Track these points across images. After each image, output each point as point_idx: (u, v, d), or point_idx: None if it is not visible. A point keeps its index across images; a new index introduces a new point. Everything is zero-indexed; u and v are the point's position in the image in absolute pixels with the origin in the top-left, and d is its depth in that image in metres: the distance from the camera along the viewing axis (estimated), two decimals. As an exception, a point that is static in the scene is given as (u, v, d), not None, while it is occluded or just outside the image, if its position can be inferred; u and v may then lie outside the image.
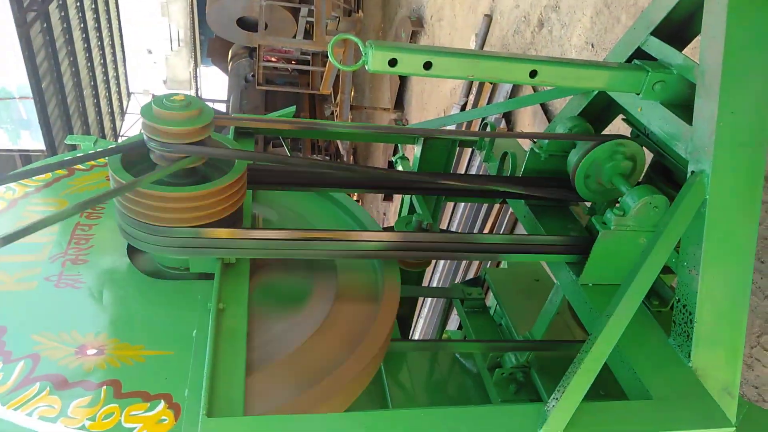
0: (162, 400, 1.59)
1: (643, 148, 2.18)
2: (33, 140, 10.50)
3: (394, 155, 3.26)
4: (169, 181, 1.86)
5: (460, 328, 4.38)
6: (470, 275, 6.11)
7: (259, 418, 1.49)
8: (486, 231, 5.88)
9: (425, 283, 5.40)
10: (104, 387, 1.60)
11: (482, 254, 2.22)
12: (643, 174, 2.25)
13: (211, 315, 1.79)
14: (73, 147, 2.59)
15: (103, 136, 16.19)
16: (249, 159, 1.95)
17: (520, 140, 3.18)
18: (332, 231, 2.13)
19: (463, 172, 6.55)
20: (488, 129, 3.04)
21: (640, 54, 2.10)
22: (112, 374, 1.64)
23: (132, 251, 2.07)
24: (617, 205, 1.99)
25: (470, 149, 5.78)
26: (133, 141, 1.91)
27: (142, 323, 1.82)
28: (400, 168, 3.14)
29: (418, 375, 2.92)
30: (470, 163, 6.53)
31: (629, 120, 2.32)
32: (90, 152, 2.00)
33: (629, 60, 2.13)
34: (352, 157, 13.97)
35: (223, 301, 1.85)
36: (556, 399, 1.60)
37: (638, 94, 2.00)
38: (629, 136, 2.27)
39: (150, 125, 1.76)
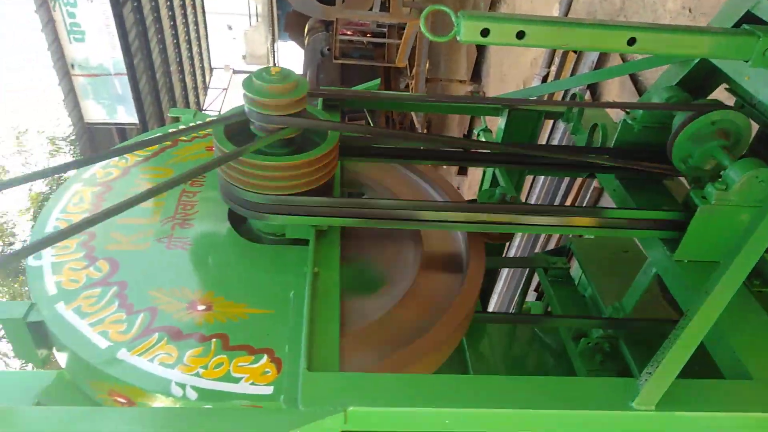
0: (265, 354, 1.71)
1: (749, 119, 2.07)
2: (127, 114, 11.20)
3: (470, 128, 3.24)
4: (267, 151, 1.97)
5: (538, 299, 4.35)
6: (550, 247, 6.01)
7: (354, 375, 1.58)
8: (573, 196, 5.74)
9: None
10: (214, 339, 1.74)
11: (570, 228, 2.19)
12: (747, 147, 2.14)
13: (308, 278, 1.89)
14: (176, 119, 2.76)
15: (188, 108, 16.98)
16: (344, 130, 2.02)
17: (609, 112, 3.08)
18: (421, 202, 2.17)
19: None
20: (577, 99, 2.95)
21: (749, 18, 1.98)
22: (220, 329, 1.78)
23: (233, 217, 2.20)
24: (719, 179, 1.91)
25: (551, 121, 5.63)
26: (233, 113, 2.02)
27: (244, 284, 1.95)
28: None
29: (498, 346, 2.95)
30: (551, 135, 6.35)
31: (733, 89, 2.20)
32: (192, 125, 2.13)
33: (737, 25, 2.00)
34: (426, 131, 13.92)
35: (317, 266, 1.95)
36: (649, 373, 1.59)
37: (747, 62, 1.89)
38: (733, 106, 2.16)
39: (252, 98, 1.86)
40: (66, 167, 1.57)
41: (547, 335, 3.50)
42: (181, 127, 2.69)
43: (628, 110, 2.44)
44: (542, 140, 6.50)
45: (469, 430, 1.62)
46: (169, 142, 2.60)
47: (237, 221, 2.21)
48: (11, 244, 17.06)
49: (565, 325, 2.71)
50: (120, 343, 1.70)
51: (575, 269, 3.22)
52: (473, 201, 3.03)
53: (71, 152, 17.24)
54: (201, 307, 1.84)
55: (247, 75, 1.92)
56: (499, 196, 2.87)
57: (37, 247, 1.45)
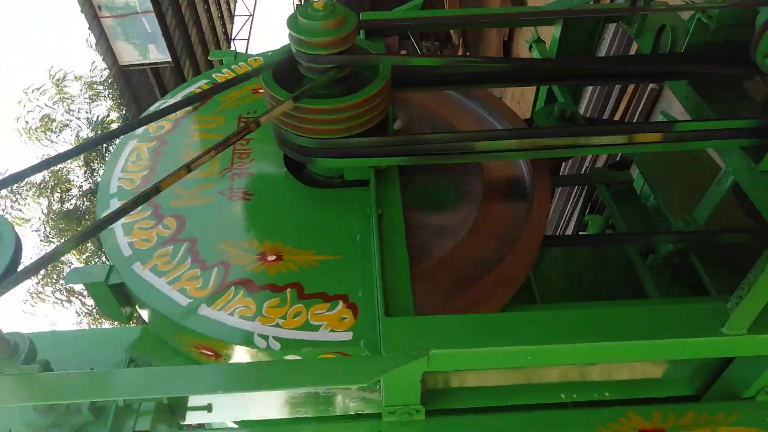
0: (340, 301, 1.72)
1: None
2: (159, 52, 11.10)
3: (510, 35, 3.02)
4: (317, 92, 1.89)
5: (598, 212, 4.23)
6: (602, 159, 5.79)
7: (433, 318, 1.58)
8: (619, 115, 5.45)
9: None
10: (288, 289, 1.76)
11: (641, 145, 2.06)
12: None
13: (372, 221, 1.86)
14: (211, 64, 2.69)
15: (216, 40, 16.68)
16: (398, 63, 1.91)
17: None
18: (478, 132, 2.07)
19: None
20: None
21: None
22: (293, 278, 1.79)
23: (289, 161, 2.17)
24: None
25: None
26: (278, 56, 1.93)
27: (310, 230, 1.94)
28: (536, 53, 2.94)
29: (559, 264, 2.89)
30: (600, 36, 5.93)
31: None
32: (237, 75, 1.99)
33: None
34: (461, 39, 13.31)
35: (380, 206, 1.92)
36: (740, 297, 1.52)
37: None
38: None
39: (298, 38, 1.76)
40: (95, 142, 1.54)
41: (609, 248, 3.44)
42: (225, 71, 2.62)
43: (703, 10, 2.20)
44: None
45: (552, 363, 1.62)
46: (214, 88, 2.54)
47: (294, 166, 2.17)
48: (68, 190, 17.73)
49: (637, 242, 2.62)
50: (199, 299, 1.74)
51: (636, 178, 3.09)
52: (530, 120, 2.90)
53: (110, 95, 17.41)
54: (271, 258, 1.85)
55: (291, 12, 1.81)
56: (558, 113, 2.74)
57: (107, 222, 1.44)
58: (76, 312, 16.58)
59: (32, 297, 16.71)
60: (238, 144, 2.26)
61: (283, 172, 2.15)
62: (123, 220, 1.99)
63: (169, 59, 10.94)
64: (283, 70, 1.95)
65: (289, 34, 1.79)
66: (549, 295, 2.59)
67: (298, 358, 1.64)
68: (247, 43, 17.57)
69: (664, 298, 2.46)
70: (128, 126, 1.53)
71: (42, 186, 17.43)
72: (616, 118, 5.54)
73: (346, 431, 1.77)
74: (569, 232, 6.23)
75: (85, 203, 17.48)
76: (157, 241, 1.91)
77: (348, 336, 1.64)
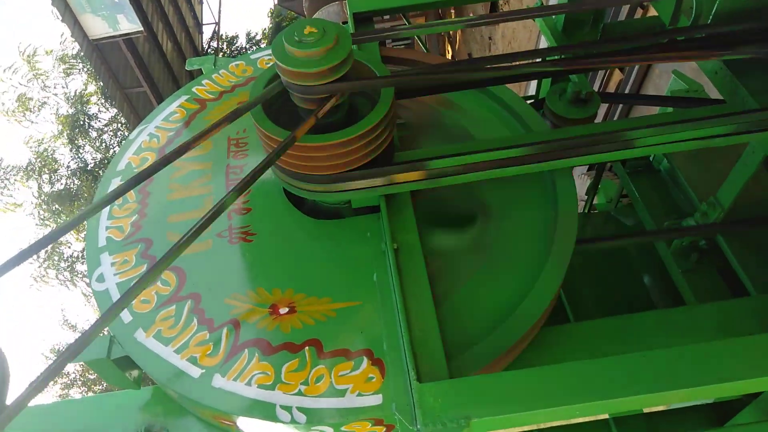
0: (365, 357, 1.59)
1: None
2: (129, 22, 10.52)
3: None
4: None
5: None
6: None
7: (468, 380, 1.45)
8: (613, 85, 5.19)
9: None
10: (306, 348, 1.62)
11: (675, 144, 1.87)
12: None
13: (389, 257, 1.71)
14: (188, 31, 2.45)
15: (189, 2, 15.89)
16: (402, 85, 1.70)
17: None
18: (488, 145, 1.86)
19: None
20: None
21: None
22: (310, 333, 1.65)
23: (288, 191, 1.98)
24: None
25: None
26: (266, 87, 1.71)
27: (321, 273, 1.78)
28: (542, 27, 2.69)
29: (586, 270, 2.73)
30: None
31: None
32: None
33: None
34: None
35: (395, 239, 1.76)
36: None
37: None
38: None
39: (288, 70, 1.54)
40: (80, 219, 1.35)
41: (624, 217, 3.30)
42: (206, 82, 2.38)
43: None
44: None
45: (599, 413, 1.50)
46: (197, 106, 2.32)
47: (294, 195, 1.99)
48: (56, 170, 17.40)
49: (664, 238, 2.48)
50: (212, 369, 1.61)
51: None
52: (540, 102, 2.68)
53: (85, 69, 16.79)
54: (284, 311, 1.71)
55: (275, 38, 1.58)
56: (571, 95, 2.52)
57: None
58: (83, 293, 16.64)
59: (36, 281, 16.71)
60: (231, 173, 2.07)
61: (285, 204, 1.97)
62: (118, 279, 1.83)
63: (141, 28, 10.39)
64: (272, 102, 1.74)
65: (277, 66, 1.57)
66: (579, 305, 2.47)
67: (326, 428, 1.52)
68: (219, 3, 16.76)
69: (693, 288, 2.34)
70: (113, 194, 1.33)
71: (29, 169, 17.08)
72: (611, 86, 5.28)
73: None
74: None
75: (75, 182, 17.21)
76: (158, 301, 1.76)
77: (378, 400, 1.51)
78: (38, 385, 1.15)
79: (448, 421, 1.36)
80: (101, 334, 1.73)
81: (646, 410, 2.29)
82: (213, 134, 1.52)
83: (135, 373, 1.82)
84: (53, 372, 1.17)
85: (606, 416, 2.26)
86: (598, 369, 1.41)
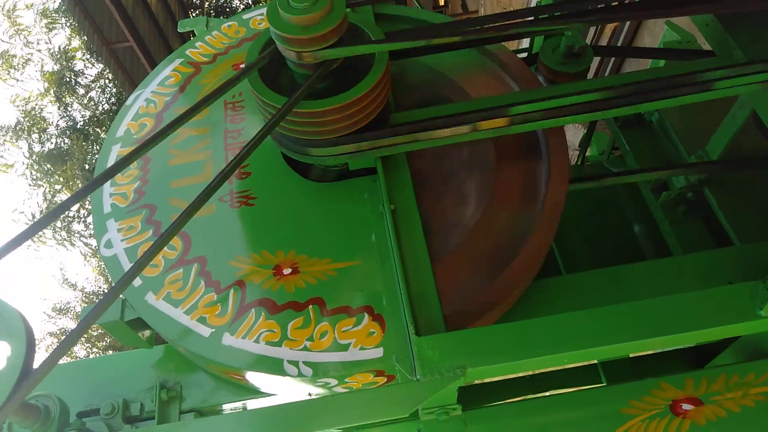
0: (365, 313, 1.67)
1: None
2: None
3: None
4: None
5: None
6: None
7: (464, 333, 1.54)
8: (608, 34, 5.12)
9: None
10: (310, 306, 1.70)
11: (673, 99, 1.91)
12: None
13: (387, 219, 1.77)
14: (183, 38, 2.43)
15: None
16: (399, 48, 1.71)
17: None
18: (484, 104, 1.89)
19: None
20: None
21: None
22: (313, 292, 1.73)
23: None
24: None
25: None
26: (263, 51, 1.72)
27: (321, 234, 1.85)
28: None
29: (579, 224, 2.80)
30: None
31: None
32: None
33: None
34: None
35: (392, 200, 1.82)
36: (778, 276, 1.48)
37: None
38: None
39: (284, 36, 1.56)
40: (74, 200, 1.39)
41: (616, 168, 3.36)
42: (199, 44, 2.37)
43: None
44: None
45: (586, 360, 1.60)
46: (191, 70, 2.33)
47: (292, 158, 2.03)
48: (45, 129, 17.19)
49: (648, 179, 2.54)
50: (221, 328, 1.69)
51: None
52: (533, 56, 2.68)
53: (68, 24, 16.32)
54: (287, 271, 1.78)
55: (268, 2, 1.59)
56: (564, 49, 2.53)
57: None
58: (81, 254, 16.73)
59: (33, 242, 16.77)
60: (229, 137, 2.10)
61: (283, 166, 2.01)
62: (125, 245, 1.89)
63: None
64: (268, 65, 1.75)
65: (272, 31, 1.58)
66: (570, 259, 2.55)
67: (331, 380, 1.62)
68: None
69: (679, 239, 2.42)
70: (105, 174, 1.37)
71: (18, 128, 16.86)
72: (604, 36, 5.22)
73: (386, 432, 1.80)
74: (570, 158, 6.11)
75: (66, 141, 17.03)
76: (165, 265, 1.83)
77: (379, 353, 1.61)
78: (62, 349, 1.23)
79: (445, 371, 1.46)
80: (113, 298, 1.80)
81: (632, 355, 2.42)
82: (212, 102, 1.55)
83: (147, 333, 1.91)
84: (75, 337, 1.25)
85: (594, 361, 2.39)
86: (584, 320, 1.51)
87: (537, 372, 2.39)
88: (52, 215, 1.36)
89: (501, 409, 1.78)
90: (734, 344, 1.99)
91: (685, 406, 1.72)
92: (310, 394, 1.71)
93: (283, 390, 1.78)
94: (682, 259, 2.05)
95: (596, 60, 5.96)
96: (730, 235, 2.26)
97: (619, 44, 5.12)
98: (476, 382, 2.35)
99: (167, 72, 2.32)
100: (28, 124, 16.86)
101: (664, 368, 2.30)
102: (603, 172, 3.37)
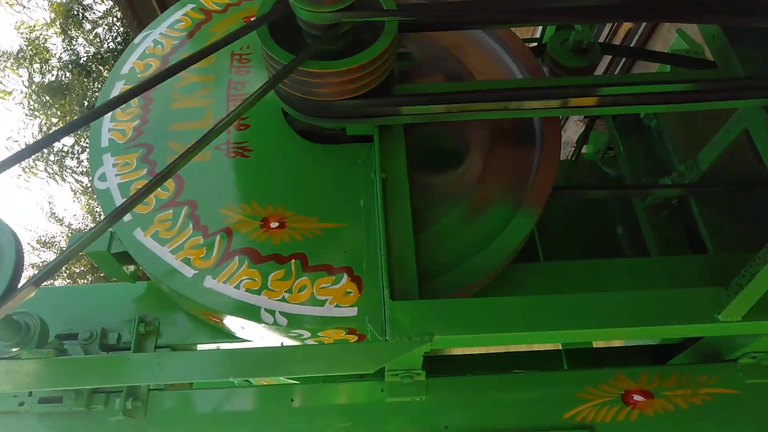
0: (345, 274, 1.73)
1: None
2: None
3: None
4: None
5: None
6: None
7: (437, 302, 1.61)
8: (622, 34, 5.11)
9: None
10: (293, 261, 1.76)
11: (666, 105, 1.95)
12: None
13: (377, 186, 1.82)
14: None
15: None
16: (410, 16, 1.74)
17: None
18: (488, 86, 1.93)
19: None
20: None
21: None
22: (297, 247, 1.78)
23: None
24: None
25: None
26: (268, 12, 1.74)
27: (312, 193, 1.90)
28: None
29: (562, 215, 2.87)
30: None
31: None
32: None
33: None
34: None
35: (385, 169, 1.86)
36: (740, 285, 1.55)
37: None
38: None
39: None
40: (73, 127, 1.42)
41: (609, 168, 3.42)
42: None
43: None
44: None
45: (549, 342, 1.67)
46: (202, 16, 2.34)
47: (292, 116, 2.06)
48: (47, 60, 16.94)
49: (642, 192, 2.60)
50: (204, 270, 1.75)
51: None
52: (541, 48, 2.71)
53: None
54: (274, 225, 1.83)
55: (286, -42, 1.60)
56: (573, 44, 2.56)
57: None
58: (72, 189, 16.66)
59: (25, 172, 16.67)
60: (232, 88, 2.13)
61: (282, 125, 2.05)
62: (119, 179, 1.93)
63: None
64: (278, 20, 1.78)
65: (287, -10, 1.60)
66: (551, 248, 2.62)
67: (304, 332, 1.69)
68: None
69: (658, 242, 2.49)
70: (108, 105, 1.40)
71: (20, 56, 16.61)
72: (618, 35, 5.21)
73: (351, 389, 1.87)
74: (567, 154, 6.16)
75: (67, 75, 16.81)
76: (156, 204, 1.87)
77: (353, 312, 1.67)
78: (46, 273, 1.28)
79: (414, 336, 1.53)
80: (101, 229, 1.85)
81: (595, 345, 2.51)
82: (220, 49, 1.58)
83: (131, 267, 1.96)
84: (60, 263, 1.30)
85: (559, 347, 2.47)
86: (552, 303, 1.58)
87: (502, 351, 2.48)
88: (49, 139, 1.39)
89: (462, 380, 1.86)
90: (693, 346, 2.07)
91: (636, 398, 1.81)
92: (282, 344, 1.77)
93: (258, 337, 1.84)
94: (656, 261, 2.12)
95: (606, 60, 5.97)
96: (706, 244, 2.33)
97: (633, 44, 5.13)
98: (443, 353, 2.44)
99: (178, 16, 2.33)
100: (30, 52, 16.61)
101: (624, 363, 2.39)
102: (594, 170, 3.45)
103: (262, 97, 1.54)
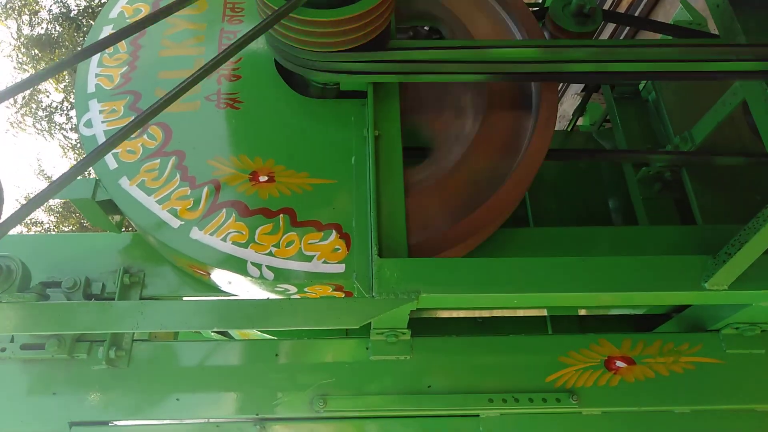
0: (333, 230, 1.71)
1: None
2: None
3: None
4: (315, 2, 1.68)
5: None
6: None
7: (424, 260, 1.59)
8: (626, 4, 5.02)
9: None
10: (281, 215, 1.74)
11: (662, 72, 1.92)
12: None
13: (369, 144, 1.79)
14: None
15: None
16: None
17: None
18: (486, 45, 1.88)
19: None
20: None
21: None
22: (286, 202, 1.76)
23: (280, 64, 2.00)
24: None
25: None
26: None
27: (303, 148, 1.86)
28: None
29: (555, 183, 2.85)
30: None
31: None
32: None
33: None
34: None
35: (377, 127, 1.83)
36: (729, 254, 1.55)
37: None
38: None
39: None
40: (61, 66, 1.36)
41: (604, 140, 3.39)
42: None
43: None
44: None
45: (535, 305, 1.67)
46: (194, -38, 2.25)
47: (286, 69, 2.01)
48: (37, 12, 16.51)
49: (634, 160, 2.58)
50: (191, 222, 1.72)
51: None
52: (543, 11, 2.65)
53: None
54: (263, 179, 1.80)
55: None
56: (575, 8, 2.51)
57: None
58: (60, 146, 16.44)
59: (13, 126, 16.40)
60: (224, 37, 2.07)
61: (276, 77, 2.00)
62: (105, 126, 1.89)
63: None
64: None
65: (281, -69, 1.54)
66: (542, 214, 2.61)
67: (291, 287, 1.67)
68: None
69: (649, 214, 2.49)
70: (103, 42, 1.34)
71: (8, 6, 16.17)
72: (623, 5, 5.12)
73: (336, 346, 1.87)
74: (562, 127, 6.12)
75: (57, 28, 16.41)
76: (143, 153, 1.83)
77: (341, 268, 1.66)
78: (23, 212, 1.24)
79: (400, 293, 1.52)
80: (89, 177, 1.81)
81: (581, 313, 2.52)
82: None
83: (117, 217, 1.93)
84: (38, 201, 1.27)
85: (544, 313, 2.49)
86: (539, 266, 1.57)
87: (488, 315, 2.49)
88: (32, 80, 1.34)
89: (448, 341, 1.87)
90: (677, 316, 2.09)
91: (619, 363, 1.83)
92: (268, 298, 1.76)
93: (244, 292, 1.83)
94: (646, 229, 2.12)
95: (611, 27, 5.88)
96: (695, 215, 2.33)
97: (637, 13, 5.06)
98: (430, 315, 2.44)
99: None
100: (19, 3, 16.16)
101: (608, 331, 2.41)
102: (588, 142, 3.42)
103: (252, 40, 1.49)
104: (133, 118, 1.84)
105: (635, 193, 2.64)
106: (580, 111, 3.67)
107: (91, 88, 1.95)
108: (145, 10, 2.11)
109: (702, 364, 1.85)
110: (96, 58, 2.01)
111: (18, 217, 1.20)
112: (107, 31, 2.07)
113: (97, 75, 1.98)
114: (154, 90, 1.94)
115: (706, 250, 1.64)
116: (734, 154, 2.39)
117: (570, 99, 6.73)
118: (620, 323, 2.44)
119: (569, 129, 3.80)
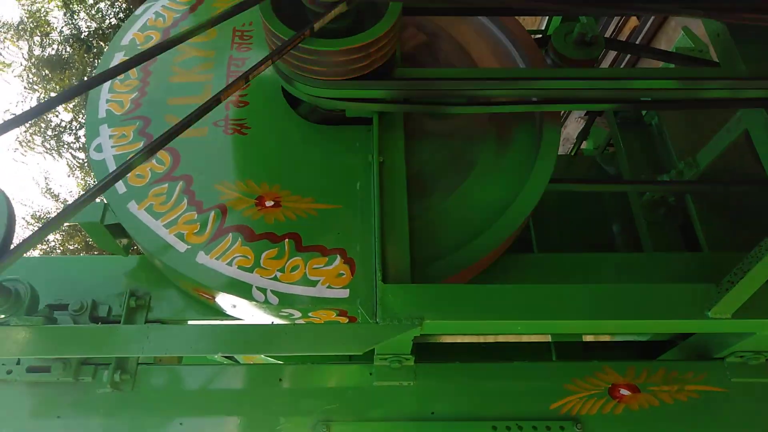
0: (338, 255, 1.73)
1: None
2: None
3: None
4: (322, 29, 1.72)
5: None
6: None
7: (428, 287, 1.60)
8: (627, 31, 5.09)
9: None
10: (287, 240, 1.75)
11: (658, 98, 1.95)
12: None
13: (374, 169, 1.81)
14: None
15: None
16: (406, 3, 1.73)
17: None
18: (494, 76, 1.91)
19: None
20: None
21: None
22: (291, 227, 1.78)
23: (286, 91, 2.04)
24: None
25: None
26: None
27: (308, 174, 1.89)
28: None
29: (559, 208, 2.86)
30: None
31: None
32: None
33: None
34: None
35: (382, 153, 1.86)
36: (731, 283, 1.55)
37: None
38: None
39: None
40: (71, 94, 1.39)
41: (608, 165, 3.41)
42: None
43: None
44: None
45: (539, 332, 1.67)
46: (206, -9, 2.31)
47: (292, 95, 2.05)
48: (48, 33, 16.80)
49: (638, 190, 2.60)
50: (197, 246, 1.74)
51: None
52: (545, 39, 2.69)
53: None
54: (269, 203, 1.82)
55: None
56: (577, 36, 2.54)
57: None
58: (68, 165, 16.58)
59: (22, 146, 16.57)
60: (233, 65, 2.11)
61: (282, 103, 2.03)
62: (114, 151, 1.92)
63: None
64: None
65: (291, -34, 1.59)
66: (545, 240, 2.62)
67: (295, 312, 1.68)
68: None
69: (653, 239, 2.50)
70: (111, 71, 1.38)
71: (20, 28, 16.47)
72: (624, 32, 5.19)
73: (339, 371, 1.87)
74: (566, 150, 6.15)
75: (67, 50, 16.68)
76: (152, 177, 1.86)
77: (345, 294, 1.67)
78: (38, 236, 1.27)
79: (404, 319, 1.53)
80: (97, 201, 1.83)
81: (585, 339, 2.52)
82: (222, 22, 1.56)
83: (124, 241, 1.95)
84: (51, 227, 1.29)
85: (548, 339, 2.48)
86: (543, 293, 1.58)
87: (492, 341, 2.49)
88: (44, 106, 1.37)
89: (451, 367, 1.87)
90: (682, 344, 2.08)
91: (623, 391, 1.82)
92: (273, 323, 1.77)
93: (248, 316, 1.84)
94: (649, 256, 2.12)
95: (612, 55, 5.95)
96: (700, 242, 2.34)
97: (638, 41, 5.11)
98: (433, 340, 2.45)
99: (180, -18, 2.31)
100: (31, 25, 16.47)
101: (613, 358, 2.40)
102: (592, 167, 3.44)
103: (262, 70, 1.53)
104: (142, 144, 1.90)
105: (639, 217, 2.65)
106: (583, 135, 3.70)
107: (102, 114, 1.99)
108: (155, 38, 2.16)
109: (707, 393, 1.84)
110: (107, 84, 2.05)
111: (30, 242, 1.22)
112: (119, 57, 2.11)
113: (108, 101, 2.02)
114: (164, 116, 1.98)
115: (711, 277, 1.64)
116: (739, 182, 2.40)
117: (574, 123, 6.78)
118: (625, 349, 2.43)
119: (573, 153, 3.82)
